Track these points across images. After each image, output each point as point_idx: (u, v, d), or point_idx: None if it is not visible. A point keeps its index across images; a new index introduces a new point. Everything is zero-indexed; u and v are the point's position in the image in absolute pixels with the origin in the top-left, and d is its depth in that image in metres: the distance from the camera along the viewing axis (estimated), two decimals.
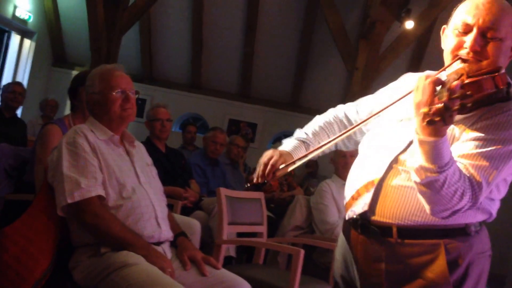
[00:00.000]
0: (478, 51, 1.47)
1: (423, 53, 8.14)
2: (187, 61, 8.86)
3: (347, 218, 1.70)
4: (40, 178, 2.40)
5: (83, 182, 2.14)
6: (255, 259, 3.55)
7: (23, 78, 8.20)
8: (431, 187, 1.38)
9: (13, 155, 3.35)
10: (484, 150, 1.43)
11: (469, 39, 1.48)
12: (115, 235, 2.13)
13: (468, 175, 1.42)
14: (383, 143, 1.65)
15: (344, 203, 1.72)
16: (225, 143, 5.06)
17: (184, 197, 3.92)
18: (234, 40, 8.52)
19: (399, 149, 1.58)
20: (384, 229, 1.57)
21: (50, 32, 8.79)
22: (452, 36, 1.53)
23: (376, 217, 1.59)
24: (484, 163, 1.42)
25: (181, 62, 8.89)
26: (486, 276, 1.58)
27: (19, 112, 6.34)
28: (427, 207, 1.45)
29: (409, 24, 6.53)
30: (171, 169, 4.09)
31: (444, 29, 1.62)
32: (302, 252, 2.92)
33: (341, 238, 1.78)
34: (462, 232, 1.53)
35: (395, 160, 1.58)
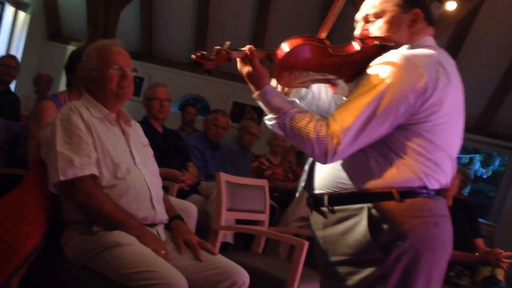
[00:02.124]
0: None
1: (463, 39, 7.73)
2: (190, 39, 8.87)
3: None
4: (33, 153, 2.49)
5: (76, 160, 2.22)
6: (254, 248, 3.61)
7: (17, 51, 8.25)
8: (285, 131, 1.69)
9: (5, 129, 3.44)
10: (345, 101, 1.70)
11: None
12: (107, 215, 2.21)
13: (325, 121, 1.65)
14: None
15: None
16: (227, 126, 5.11)
17: (180, 180, 3.98)
18: (244, 18, 8.51)
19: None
20: (318, 199, 1.80)
21: (45, 4, 8.82)
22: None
23: (312, 190, 1.83)
24: (340, 111, 1.65)
25: (183, 40, 8.90)
26: (438, 243, 1.68)
27: (12, 86, 6.42)
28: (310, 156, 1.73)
29: (451, 5, 6.20)
30: (168, 150, 4.15)
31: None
32: (306, 244, 2.97)
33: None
34: (387, 196, 1.66)
35: None
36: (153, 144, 2.81)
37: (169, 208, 2.57)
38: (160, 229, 2.42)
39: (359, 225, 1.67)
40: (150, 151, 2.65)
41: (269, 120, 1.74)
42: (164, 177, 2.97)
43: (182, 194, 3.98)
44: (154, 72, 8.74)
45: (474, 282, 3.67)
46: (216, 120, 5.00)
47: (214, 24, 8.66)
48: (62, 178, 2.19)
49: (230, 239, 4.04)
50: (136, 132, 2.62)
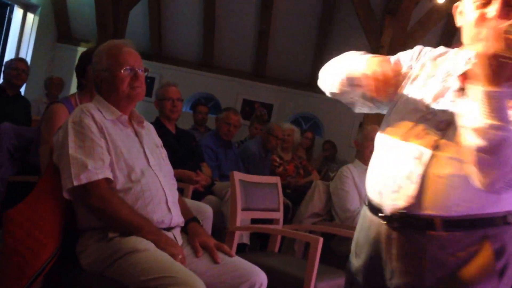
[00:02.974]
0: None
1: (455, 29, 7.95)
2: (198, 37, 8.84)
3: (383, 213, 1.64)
4: (45, 159, 2.43)
5: (90, 164, 2.16)
6: (270, 247, 3.57)
7: (27, 54, 8.24)
8: (497, 148, 1.35)
9: (17, 135, 3.38)
10: None
11: (492, 9, 1.47)
12: (123, 220, 2.15)
13: None
14: (413, 130, 1.62)
15: (373, 196, 1.69)
16: (239, 124, 5.07)
17: (195, 181, 3.93)
18: (249, 16, 8.47)
19: (438, 135, 1.55)
20: (427, 222, 1.53)
21: (54, 6, 8.81)
22: (472, 9, 1.52)
23: (419, 210, 1.54)
24: None
25: (192, 39, 8.88)
26: None
27: (22, 90, 6.38)
28: (480, 180, 1.41)
29: None
30: (182, 151, 4.10)
31: (456, 7, 1.61)
32: (321, 240, 2.93)
33: (365, 234, 1.73)
34: (503, 221, 1.52)
35: (436, 147, 1.54)
36: (167, 145, 2.76)
37: (185, 210, 2.51)
38: (177, 233, 2.36)
39: (481, 251, 1.51)
40: (164, 152, 2.60)
41: (484, 134, 1.36)
42: (178, 179, 2.91)
43: (197, 196, 3.94)
44: (164, 72, 8.72)
45: None
46: (227, 118, 4.95)
47: (221, 22, 8.62)
48: (75, 183, 2.13)
49: (246, 239, 4.00)
50: (149, 133, 2.56)
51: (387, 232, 1.63)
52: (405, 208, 1.57)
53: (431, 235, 1.54)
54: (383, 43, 6.53)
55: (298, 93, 8.94)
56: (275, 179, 3.80)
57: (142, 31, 8.77)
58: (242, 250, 3.86)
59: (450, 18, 7.70)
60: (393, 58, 1.79)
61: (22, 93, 6.36)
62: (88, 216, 2.23)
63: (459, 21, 1.60)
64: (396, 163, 1.62)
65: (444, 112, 1.56)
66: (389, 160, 1.66)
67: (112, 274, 2.09)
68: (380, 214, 1.65)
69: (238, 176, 3.41)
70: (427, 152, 1.55)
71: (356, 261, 1.78)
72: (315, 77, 7.87)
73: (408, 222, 1.57)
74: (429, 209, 1.53)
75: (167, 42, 9.03)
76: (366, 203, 1.75)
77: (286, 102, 9.00)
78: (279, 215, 3.66)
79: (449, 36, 8.08)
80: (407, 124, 1.63)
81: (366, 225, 1.73)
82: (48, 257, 2.10)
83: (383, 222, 1.63)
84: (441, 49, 1.74)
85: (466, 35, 1.55)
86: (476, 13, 1.50)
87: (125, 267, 2.05)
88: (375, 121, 6.21)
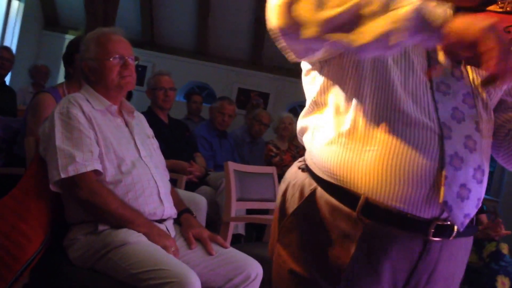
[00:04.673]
0: None
1: None
2: (192, 24, 8.80)
3: (440, 223, 1.23)
4: (31, 150, 2.42)
5: (78, 155, 2.16)
6: (266, 238, 3.57)
7: (11, 42, 8.18)
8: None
9: (2, 126, 3.37)
10: None
11: None
12: (113, 212, 2.15)
13: None
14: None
15: (418, 198, 1.22)
16: (234, 114, 5.07)
17: (188, 172, 3.93)
18: (244, 2, 8.44)
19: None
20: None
21: None
22: None
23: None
24: None
25: (185, 26, 8.84)
26: None
27: (7, 79, 6.35)
28: None
29: None
30: (175, 141, 4.10)
31: None
32: None
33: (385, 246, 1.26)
34: None
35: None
36: (159, 135, 2.76)
37: (177, 201, 2.50)
38: (169, 225, 2.36)
39: None
40: (155, 143, 2.59)
41: None
42: (171, 170, 2.92)
43: (191, 186, 3.94)
44: (157, 60, 8.69)
45: (481, 258, 3.68)
46: (222, 108, 4.95)
47: (216, 9, 8.58)
48: (63, 175, 2.13)
49: (241, 230, 4.00)
50: (140, 123, 2.56)
51: (435, 244, 1.30)
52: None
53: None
54: None
55: (295, 82, 8.88)
56: (271, 169, 3.80)
57: (133, 18, 8.72)
58: (237, 241, 3.86)
59: None
60: None
61: (7, 82, 6.33)
62: (76, 209, 2.22)
63: None
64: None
65: None
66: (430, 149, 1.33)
67: (102, 268, 2.09)
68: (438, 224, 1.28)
69: (232, 166, 3.41)
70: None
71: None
72: None
73: (469, 228, 1.33)
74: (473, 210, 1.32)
75: (159, 30, 8.99)
76: None
77: (282, 91, 8.99)
78: (274, 206, 3.66)
79: None
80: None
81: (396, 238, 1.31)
82: (34, 251, 2.10)
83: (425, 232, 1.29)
84: None
85: None
86: None
87: (115, 260, 2.05)
88: None
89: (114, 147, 2.28)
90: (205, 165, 4.34)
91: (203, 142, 4.75)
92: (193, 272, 2.00)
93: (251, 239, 4.37)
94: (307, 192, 1.29)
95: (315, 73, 1.33)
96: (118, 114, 2.43)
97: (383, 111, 1.22)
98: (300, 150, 5.99)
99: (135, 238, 2.10)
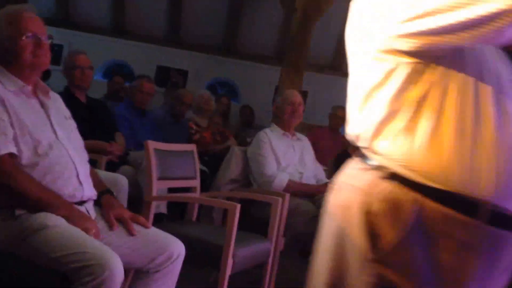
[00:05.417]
0: None
1: None
2: (108, 1, 8.56)
3: None
4: None
5: None
6: (188, 216, 3.56)
7: None
8: None
9: None
10: None
11: None
12: (31, 196, 2.07)
13: None
14: None
15: None
16: (153, 92, 4.99)
17: (108, 152, 3.85)
18: None
19: None
20: None
21: None
22: None
23: None
24: None
25: (102, 3, 8.59)
26: None
27: None
28: None
29: None
30: (94, 121, 3.98)
31: None
32: (238, 206, 2.94)
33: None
34: None
35: None
36: (77, 115, 2.65)
37: (97, 182, 2.44)
38: (90, 207, 2.29)
39: None
40: (73, 124, 2.50)
41: None
42: (90, 150, 2.82)
43: (112, 167, 3.85)
44: (74, 39, 8.40)
45: None
46: (141, 86, 4.86)
47: None
48: None
49: (164, 209, 3.97)
50: (57, 104, 2.46)
51: None
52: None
53: None
54: (297, 5, 6.54)
55: (214, 59, 8.86)
56: (191, 147, 3.77)
57: None
58: (160, 220, 3.82)
59: None
60: None
61: None
62: None
63: None
64: None
65: None
66: None
67: (22, 253, 2.01)
68: None
69: (152, 145, 3.34)
70: None
71: None
72: (230, 42, 7.88)
73: None
74: None
75: (74, 7, 8.68)
76: None
77: (201, 68, 8.92)
78: (196, 183, 3.64)
79: None
80: None
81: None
82: None
83: None
84: None
85: None
86: None
87: (35, 245, 1.97)
88: (291, 85, 6.29)
89: (29, 129, 2.18)
90: (125, 144, 4.25)
91: (123, 121, 4.64)
92: (114, 254, 1.95)
93: (174, 217, 4.34)
94: (407, 204, 1.15)
95: (407, 71, 1.18)
96: (33, 94, 2.33)
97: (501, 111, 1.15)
98: (219, 127, 5.98)
99: (54, 222, 2.02)
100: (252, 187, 4.02)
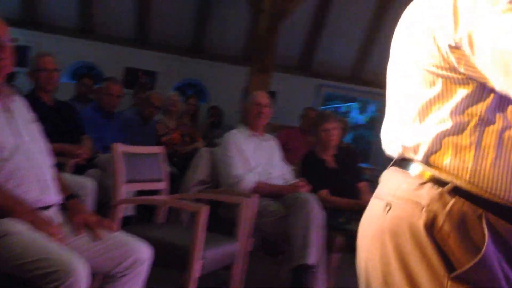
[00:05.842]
0: None
1: None
2: (76, 2, 8.41)
3: None
4: None
5: None
6: (157, 218, 3.53)
7: None
8: None
9: None
10: None
11: None
12: None
13: None
14: None
15: None
16: (121, 94, 4.93)
17: (75, 155, 3.79)
18: None
19: None
20: None
21: None
22: None
23: None
24: None
25: (68, 4, 8.43)
26: None
27: None
28: None
29: None
30: (60, 124, 3.92)
31: None
32: (205, 208, 2.91)
33: None
34: None
35: None
36: (43, 118, 2.60)
37: (63, 187, 2.41)
38: (55, 211, 2.26)
39: None
40: (38, 127, 2.46)
41: None
42: (57, 154, 2.78)
43: (80, 170, 3.80)
44: (41, 40, 8.23)
45: None
46: (108, 88, 4.80)
47: None
48: None
49: (133, 211, 3.93)
50: (21, 107, 2.41)
51: None
52: None
53: None
54: (264, 7, 6.53)
55: (182, 60, 8.80)
56: (159, 149, 3.73)
57: None
58: (128, 223, 3.78)
59: None
60: None
61: None
62: None
63: None
64: None
65: None
66: None
67: None
68: None
69: (120, 148, 3.31)
70: None
71: None
72: (198, 42, 7.81)
73: None
74: None
75: (41, 8, 8.50)
76: None
77: (170, 69, 8.85)
78: (164, 185, 3.61)
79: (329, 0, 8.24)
80: None
81: None
82: None
83: None
84: None
85: None
86: None
87: None
88: (259, 85, 6.28)
89: None
90: (93, 147, 4.19)
91: (90, 124, 4.57)
92: (80, 259, 1.92)
93: (143, 219, 4.30)
94: (478, 221, 1.12)
95: (475, 86, 1.14)
96: None
97: None
98: (188, 128, 5.94)
99: (17, 228, 1.99)
100: (220, 188, 4.00)
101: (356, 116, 9.80)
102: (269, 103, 4.20)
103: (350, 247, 3.72)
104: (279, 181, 4.02)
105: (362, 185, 4.25)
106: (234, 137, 4.04)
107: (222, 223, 3.81)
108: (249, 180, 3.83)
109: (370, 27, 8.48)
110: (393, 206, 1.22)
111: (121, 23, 8.65)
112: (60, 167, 2.50)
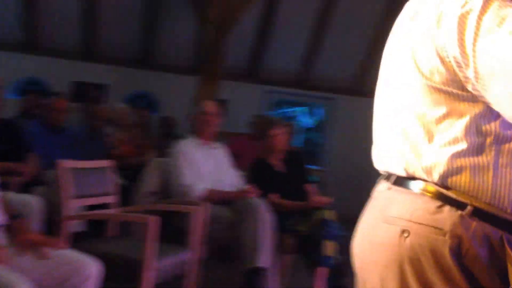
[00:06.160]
0: None
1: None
2: (17, 16, 8.20)
3: None
4: None
5: None
6: (109, 231, 3.49)
7: None
8: None
9: None
10: None
11: None
12: None
13: None
14: None
15: None
16: (66, 108, 4.86)
17: (20, 173, 3.71)
18: None
19: None
20: None
21: None
22: None
23: None
24: None
25: (10, 18, 8.21)
26: None
27: None
28: None
29: None
30: (4, 142, 3.85)
31: None
32: (154, 219, 2.89)
33: None
34: None
35: None
36: None
37: (7, 207, 2.36)
38: None
39: None
40: None
41: None
42: (1, 173, 2.72)
43: (26, 188, 3.72)
44: None
45: (309, 226, 3.84)
46: (53, 104, 4.74)
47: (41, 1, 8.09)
48: None
49: (83, 227, 3.87)
50: None
51: None
52: None
53: None
54: (210, 17, 6.54)
55: (131, 72, 8.72)
56: (108, 163, 3.70)
57: None
58: (80, 239, 3.72)
59: None
60: None
61: None
62: None
63: None
64: None
65: None
66: None
67: None
68: None
69: (66, 164, 3.26)
70: None
71: None
72: (147, 54, 7.76)
73: None
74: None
75: None
76: None
77: (120, 82, 8.75)
78: (114, 199, 3.58)
79: (274, 6, 8.26)
80: None
81: None
82: None
83: None
84: None
85: None
86: None
87: None
88: (207, 94, 6.29)
89: None
90: (39, 164, 4.11)
91: (37, 140, 4.48)
92: (24, 279, 1.89)
93: (95, 234, 4.24)
94: (500, 243, 1.09)
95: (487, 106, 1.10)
96: None
97: None
98: (139, 140, 5.89)
99: None
100: (172, 198, 3.98)
101: (305, 120, 9.90)
102: (217, 111, 4.22)
103: (300, 248, 3.76)
104: (230, 188, 4.04)
105: (310, 186, 4.32)
106: (183, 147, 4.04)
107: (175, 232, 3.79)
108: (199, 188, 3.83)
109: (314, 34, 8.59)
110: (412, 232, 1.15)
111: (67, 37, 8.50)
112: (5, 186, 2.45)
